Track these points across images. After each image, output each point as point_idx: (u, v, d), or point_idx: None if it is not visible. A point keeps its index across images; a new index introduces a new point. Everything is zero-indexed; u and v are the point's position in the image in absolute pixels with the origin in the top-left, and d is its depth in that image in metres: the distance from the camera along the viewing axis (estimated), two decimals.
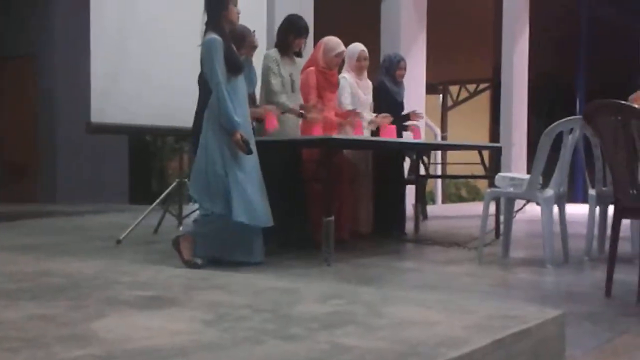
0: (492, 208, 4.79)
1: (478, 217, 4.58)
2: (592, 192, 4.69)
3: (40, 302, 2.35)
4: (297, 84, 4.87)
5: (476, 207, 8.81)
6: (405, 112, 5.85)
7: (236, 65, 4.01)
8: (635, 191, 3.23)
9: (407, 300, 2.55)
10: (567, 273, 4.09)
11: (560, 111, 8.22)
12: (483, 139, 14.57)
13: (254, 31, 4.39)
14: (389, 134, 5.18)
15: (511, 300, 3.12)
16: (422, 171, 7.00)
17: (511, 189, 4.46)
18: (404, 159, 6.35)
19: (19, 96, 9.33)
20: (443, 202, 11.78)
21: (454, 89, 16.12)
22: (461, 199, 13.09)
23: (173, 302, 2.37)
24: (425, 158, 7.12)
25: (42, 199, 8.99)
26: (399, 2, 10.67)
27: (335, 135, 4.64)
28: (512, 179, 4.53)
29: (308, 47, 5.10)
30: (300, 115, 4.74)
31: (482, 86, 15.82)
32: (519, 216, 5.04)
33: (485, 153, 6.26)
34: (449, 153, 12.10)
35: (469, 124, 15.58)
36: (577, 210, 5.28)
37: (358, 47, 5.41)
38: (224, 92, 3.89)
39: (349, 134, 5.03)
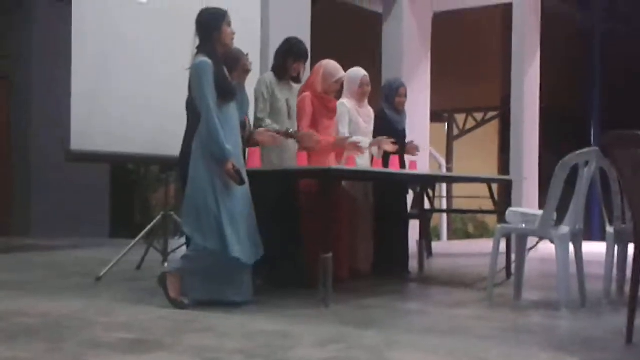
0: (503, 245, 4.77)
1: (486, 255, 4.57)
2: (610, 229, 4.69)
3: (13, 345, 2.33)
4: (294, 110, 4.89)
5: (484, 245, 8.80)
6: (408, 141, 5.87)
7: (228, 90, 4.02)
8: None
9: (412, 345, 2.54)
10: (584, 317, 4.05)
11: (574, 143, 8.26)
12: (491, 171, 14.61)
13: (248, 54, 4.42)
14: (392, 165, 5.19)
15: (524, 347, 3.09)
16: (427, 205, 6.99)
17: (523, 226, 4.46)
18: (407, 192, 6.35)
19: None
20: (449, 238, 11.75)
21: (460, 117, 16.18)
22: (468, 235, 13.07)
23: (158, 346, 2.35)
24: (430, 191, 7.13)
25: (14, 231, 8.95)
26: (402, 24, 10.79)
27: (335, 166, 4.64)
28: (524, 214, 4.53)
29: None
30: (289, 136, 4.73)
31: (490, 115, 15.90)
32: (531, 255, 5.05)
33: (495, 186, 6.27)
34: (455, 186, 12.12)
35: (477, 155, 15.62)
36: (594, 249, 5.28)
37: (360, 72, 5.44)
38: (214, 119, 3.90)
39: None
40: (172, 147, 4.71)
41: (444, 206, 11.12)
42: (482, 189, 6.37)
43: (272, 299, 4.27)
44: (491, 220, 11.62)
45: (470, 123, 16.18)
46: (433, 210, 7.67)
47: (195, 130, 4.04)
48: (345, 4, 11.43)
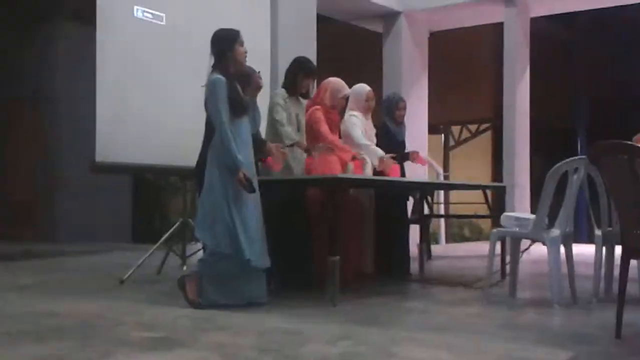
0: (498, 248, 4.76)
1: (482, 257, 4.56)
2: (598, 232, 4.68)
3: (43, 344, 2.33)
4: (303, 124, 4.90)
5: (480, 247, 8.78)
6: (407, 151, 5.88)
7: (240, 106, 4.03)
8: None
9: (415, 341, 2.53)
10: (575, 314, 4.05)
11: (562, 152, 8.25)
12: (485, 179, 14.58)
13: (259, 72, 4.43)
14: (393, 174, 5.19)
15: (520, 342, 3.08)
16: (426, 211, 6.97)
17: (517, 229, 4.45)
18: (407, 199, 6.34)
19: (24, 136, 9.37)
20: (447, 241, 11.72)
21: (455, 129, 16.18)
22: (465, 239, 13.03)
23: (180, 344, 2.35)
24: (429, 197, 7.12)
25: (43, 238, 8.96)
26: (401, 43, 10.81)
27: (342, 175, 4.64)
28: (518, 218, 4.52)
29: None
30: (307, 151, 4.74)
31: (483, 126, 15.89)
32: (525, 256, 5.03)
33: (489, 192, 6.25)
34: (452, 192, 12.09)
35: (471, 164, 15.61)
36: (583, 251, 5.26)
37: (365, 87, 5.45)
38: (227, 132, 3.91)
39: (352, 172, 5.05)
40: (189, 158, 4.72)
41: (442, 212, 11.09)
42: (477, 195, 6.36)
43: (284, 299, 4.27)
44: (486, 224, 11.61)
45: (465, 134, 16.18)
46: (432, 215, 7.66)
47: (210, 143, 4.05)
48: (348, 25, 11.45)
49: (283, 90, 4.89)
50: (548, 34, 13.59)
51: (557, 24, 13.86)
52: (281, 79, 5.04)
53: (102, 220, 9.09)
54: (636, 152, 3.15)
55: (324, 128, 4.93)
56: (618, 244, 3.89)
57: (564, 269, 4.37)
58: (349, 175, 4.78)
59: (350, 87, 5.23)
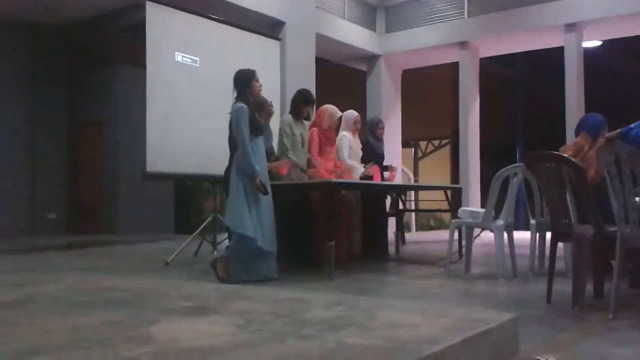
0: (456, 234, 4.76)
1: (444, 242, 4.54)
2: (532, 221, 4.68)
3: (107, 311, 2.32)
4: (307, 140, 4.91)
5: (442, 234, 8.77)
6: (385, 162, 5.89)
7: (257, 127, 4.03)
8: (566, 220, 3.22)
9: (395, 307, 2.51)
10: (516, 285, 4.04)
11: (504, 160, 8.25)
12: (446, 182, 14.58)
13: (271, 101, 4.42)
14: (375, 178, 5.19)
15: (475, 307, 3.08)
16: (401, 206, 6.97)
17: (471, 220, 4.45)
18: (386, 197, 6.34)
19: (92, 153, 9.38)
20: (417, 230, 11.70)
21: (422, 143, 16.20)
22: (430, 228, 13.01)
23: (212, 311, 2.34)
24: (402, 196, 7.11)
25: (106, 230, 8.95)
26: (380, 78, 10.84)
27: (335, 180, 4.64)
28: (471, 212, 4.52)
29: None
30: (302, 171, 4.76)
31: (444, 142, 15.90)
32: (476, 241, 5.01)
33: (449, 192, 6.25)
34: (421, 192, 12.10)
35: (435, 170, 15.61)
36: (522, 236, 5.25)
37: (353, 113, 5.46)
38: (248, 148, 3.90)
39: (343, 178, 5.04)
40: (218, 168, 4.71)
41: (413, 207, 11.09)
42: (440, 194, 6.35)
43: (292, 275, 4.26)
44: (447, 216, 11.61)
45: (430, 148, 16.18)
46: (405, 210, 7.64)
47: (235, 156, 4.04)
48: (340, 65, 11.47)
49: (290, 116, 4.89)
50: (493, 70, 13.61)
51: (500, 63, 13.89)
52: (288, 107, 5.04)
53: (151, 217, 9.07)
54: (562, 160, 3.15)
55: (314, 149, 4.96)
56: (548, 230, 3.89)
57: (507, 250, 4.37)
58: (341, 180, 4.78)
59: (342, 111, 5.24)
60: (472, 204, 9.35)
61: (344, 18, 10.10)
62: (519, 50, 10.92)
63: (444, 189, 6.38)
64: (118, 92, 8.97)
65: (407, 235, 8.10)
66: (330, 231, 4.18)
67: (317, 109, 5.28)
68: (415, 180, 14.03)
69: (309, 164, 4.87)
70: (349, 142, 5.26)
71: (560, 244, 3.40)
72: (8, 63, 8.84)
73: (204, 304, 2.50)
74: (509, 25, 9.54)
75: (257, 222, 3.88)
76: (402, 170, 11.00)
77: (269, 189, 3.99)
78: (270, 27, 8.24)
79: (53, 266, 5.03)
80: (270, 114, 4.34)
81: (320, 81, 9.02)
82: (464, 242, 4.96)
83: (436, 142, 16.05)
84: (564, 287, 3.42)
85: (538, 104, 15.13)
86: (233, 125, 4.04)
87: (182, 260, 5.14)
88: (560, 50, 9.26)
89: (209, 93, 5.77)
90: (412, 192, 10.81)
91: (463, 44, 10.10)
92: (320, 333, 1.89)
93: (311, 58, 8.90)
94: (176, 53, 5.71)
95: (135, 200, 8.86)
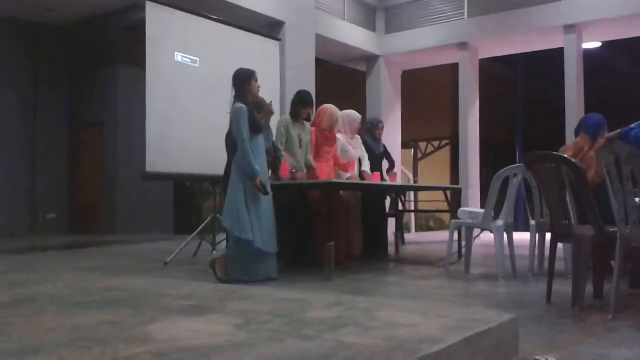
0: (456, 235, 4.75)
1: (444, 242, 4.53)
2: (532, 222, 4.67)
3: (106, 311, 2.31)
4: (305, 141, 4.89)
5: (442, 235, 8.77)
6: (384, 163, 5.91)
7: (257, 127, 4.02)
8: (566, 221, 3.21)
9: (394, 307, 2.51)
10: (516, 285, 4.03)
11: (504, 161, 8.24)
12: (445, 182, 14.57)
13: (271, 101, 4.42)
14: (374, 179, 5.19)
15: (474, 307, 3.07)
16: (400, 207, 6.97)
17: (470, 220, 4.45)
18: (385, 198, 6.33)
19: (92, 153, 9.38)
20: (416, 230, 11.69)
21: (422, 144, 16.20)
22: (429, 228, 13.00)
23: (211, 310, 2.33)
24: (402, 197, 7.10)
25: (105, 230, 8.94)
26: (380, 79, 10.83)
27: (334, 180, 4.63)
28: (471, 212, 4.51)
29: None
30: (294, 176, 4.70)
31: (443, 143, 15.90)
32: (476, 241, 5.00)
33: (448, 192, 6.24)
34: (421, 193, 12.09)
35: (435, 171, 15.60)
36: (521, 237, 5.24)
37: (358, 115, 5.48)
38: (247, 148, 3.89)
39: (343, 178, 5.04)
40: (217, 169, 4.71)
41: (413, 208, 11.08)
42: (440, 195, 6.34)
43: (291, 276, 4.25)
44: (446, 217, 11.60)
45: (430, 149, 16.17)
46: (405, 210, 7.64)
47: (234, 157, 4.03)
48: (340, 66, 11.47)
49: (288, 116, 4.88)
50: (493, 71, 13.61)
51: (499, 64, 13.90)
52: (288, 107, 5.04)
53: (151, 217, 9.07)
54: (562, 161, 3.15)
55: (311, 150, 4.92)
56: (548, 231, 3.89)
57: (507, 251, 4.36)
58: (340, 180, 4.78)
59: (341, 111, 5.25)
60: (472, 204, 9.35)
61: (344, 19, 10.10)
62: (518, 52, 10.92)
63: (444, 189, 6.38)
64: (118, 92, 8.97)
65: (406, 236, 8.09)
66: (329, 232, 4.17)
67: (316, 109, 5.28)
68: (415, 181, 14.02)
69: (308, 167, 4.85)
70: (341, 146, 5.27)
71: (560, 245, 3.40)
72: (8, 63, 8.85)
73: (203, 304, 2.49)
74: (508, 26, 9.54)
75: (256, 223, 3.86)
76: (402, 171, 11.00)
77: (269, 189, 3.98)
78: (270, 28, 8.24)
79: (52, 266, 5.02)
80: (270, 113, 4.32)
81: (319, 82, 9.02)
82: (463, 243, 4.95)
83: (436, 143, 16.05)
84: (563, 287, 3.42)
85: (538, 105, 15.13)
86: (233, 126, 4.03)
87: (182, 261, 5.13)
88: (560, 51, 9.26)
89: (209, 93, 5.77)
90: (412, 193, 10.80)
91: (463, 45, 10.09)
92: (320, 333, 1.89)
93: (311, 58, 8.90)
94: (176, 53, 5.71)
95: (134, 201, 8.86)
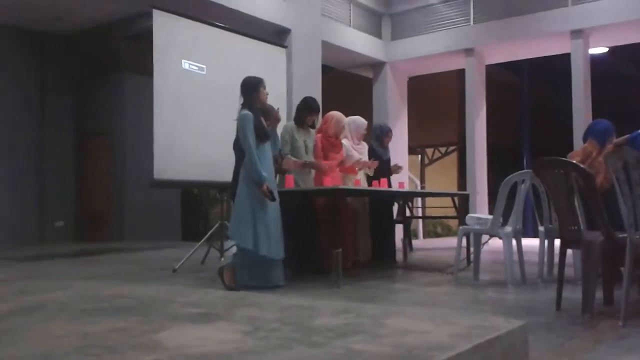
0: (464, 241, 4.73)
1: (452, 249, 4.52)
2: (541, 228, 4.65)
3: (115, 318, 2.32)
4: (310, 148, 4.91)
5: (449, 241, 8.74)
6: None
7: (264, 134, 4.03)
8: (575, 227, 3.20)
9: (403, 314, 2.50)
10: (525, 292, 4.01)
11: (511, 167, 8.21)
12: (453, 188, 14.54)
13: (278, 108, 4.43)
14: (382, 185, 5.19)
15: (483, 313, 3.06)
16: (408, 213, 6.96)
17: (478, 227, 4.43)
18: (393, 204, 6.33)
19: (100, 162, 9.44)
20: (424, 237, 11.66)
21: (429, 150, 16.18)
22: (437, 235, 12.96)
23: (219, 317, 2.33)
24: (410, 203, 7.09)
25: (113, 238, 8.98)
26: (386, 85, 10.84)
27: (342, 186, 4.63)
28: (479, 218, 4.50)
29: None
30: (306, 165, 4.74)
31: (450, 148, 15.87)
32: (485, 248, 4.99)
33: (456, 198, 6.23)
34: (428, 199, 12.07)
35: (442, 177, 15.57)
36: (530, 243, 5.21)
37: (365, 121, 5.50)
38: (254, 155, 3.90)
39: (351, 183, 5.05)
40: (225, 175, 4.72)
41: (420, 214, 11.05)
42: (447, 200, 6.32)
43: (298, 282, 4.25)
44: (454, 223, 11.56)
45: (437, 154, 16.14)
46: (412, 217, 7.62)
47: (242, 163, 4.04)
48: (346, 72, 11.49)
49: (292, 123, 4.90)
50: (499, 76, 13.60)
51: (506, 69, 13.89)
52: (294, 113, 5.05)
53: (158, 224, 9.10)
54: (570, 166, 3.14)
55: (318, 156, 4.96)
56: (557, 237, 3.87)
57: (516, 257, 4.34)
58: (347, 187, 4.78)
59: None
60: (480, 210, 9.32)
61: (350, 25, 10.13)
62: (525, 57, 10.90)
63: (451, 195, 6.36)
64: (125, 100, 9.03)
65: (414, 243, 8.07)
66: (336, 238, 4.16)
67: (322, 116, 5.29)
68: (422, 187, 13.99)
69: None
70: (346, 151, 5.27)
71: (569, 251, 3.38)
72: (16, 71, 8.93)
73: (211, 311, 2.49)
74: (515, 32, 9.53)
75: (263, 230, 3.86)
76: (409, 177, 10.98)
77: (276, 195, 3.99)
78: (276, 35, 8.28)
79: (61, 273, 5.05)
80: (277, 120, 4.34)
81: (326, 88, 9.03)
82: (472, 249, 4.93)
83: (443, 149, 16.02)
84: (573, 294, 3.40)
85: (545, 110, 15.10)
86: (239, 133, 4.05)
87: (190, 268, 5.14)
88: (566, 57, 9.24)
89: (216, 100, 5.79)
90: (419, 199, 10.78)
91: (469, 51, 10.09)
92: (328, 340, 1.88)
93: (317, 65, 8.93)
94: (183, 61, 5.74)
95: (142, 208, 8.90)
